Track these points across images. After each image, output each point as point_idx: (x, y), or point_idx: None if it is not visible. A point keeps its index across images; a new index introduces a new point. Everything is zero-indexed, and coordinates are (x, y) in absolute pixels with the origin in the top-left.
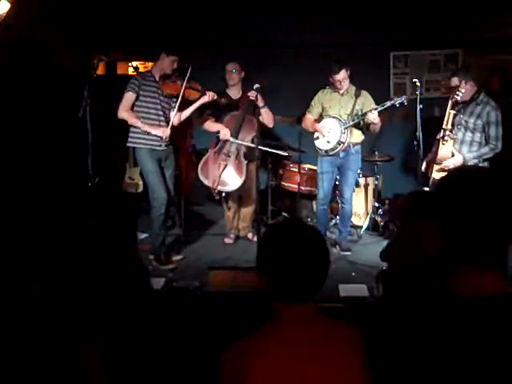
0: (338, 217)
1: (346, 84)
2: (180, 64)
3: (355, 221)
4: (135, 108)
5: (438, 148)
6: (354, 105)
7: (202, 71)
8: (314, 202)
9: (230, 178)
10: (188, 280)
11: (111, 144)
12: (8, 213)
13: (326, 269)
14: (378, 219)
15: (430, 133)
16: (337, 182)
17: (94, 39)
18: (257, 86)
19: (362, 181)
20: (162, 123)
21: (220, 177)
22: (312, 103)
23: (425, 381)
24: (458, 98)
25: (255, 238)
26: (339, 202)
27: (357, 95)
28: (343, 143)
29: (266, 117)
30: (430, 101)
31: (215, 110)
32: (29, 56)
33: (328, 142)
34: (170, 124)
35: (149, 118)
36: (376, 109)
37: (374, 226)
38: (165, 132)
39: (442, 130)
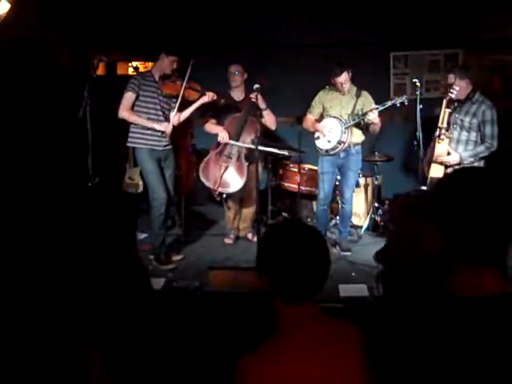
0: (338, 217)
1: (347, 86)
2: (180, 64)
3: (355, 221)
4: (135, 108)
5: (434, 147)
6: (355, 105)
7: (202, 71)
8: (314, 202)
9: (231, 180)
10: (188, 280)
11: (111, 144)
12: (8, 213)
13: (327, 269)
14: (378, 219)
15: (430, 133)
16: (337, 183)
17: (94, 39)
18: (257, 86)
19: (362, 181)
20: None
21: (221, 178)
22: (313, 103)
23: (425, 381)
24: (453, 95)
25: (255, 239)
26: (339, 202)
27: (358, 95)
28: (344, 143)
29: (269, 119)
30: (430, 101)
31: (217, 112)
32: (29, 56)
33: (329, 141)
34: (170, 124)
35: (148, 118)
36: (377, 108)
37: (374, 226)
38: (167, 127)
39: (438, 129)
